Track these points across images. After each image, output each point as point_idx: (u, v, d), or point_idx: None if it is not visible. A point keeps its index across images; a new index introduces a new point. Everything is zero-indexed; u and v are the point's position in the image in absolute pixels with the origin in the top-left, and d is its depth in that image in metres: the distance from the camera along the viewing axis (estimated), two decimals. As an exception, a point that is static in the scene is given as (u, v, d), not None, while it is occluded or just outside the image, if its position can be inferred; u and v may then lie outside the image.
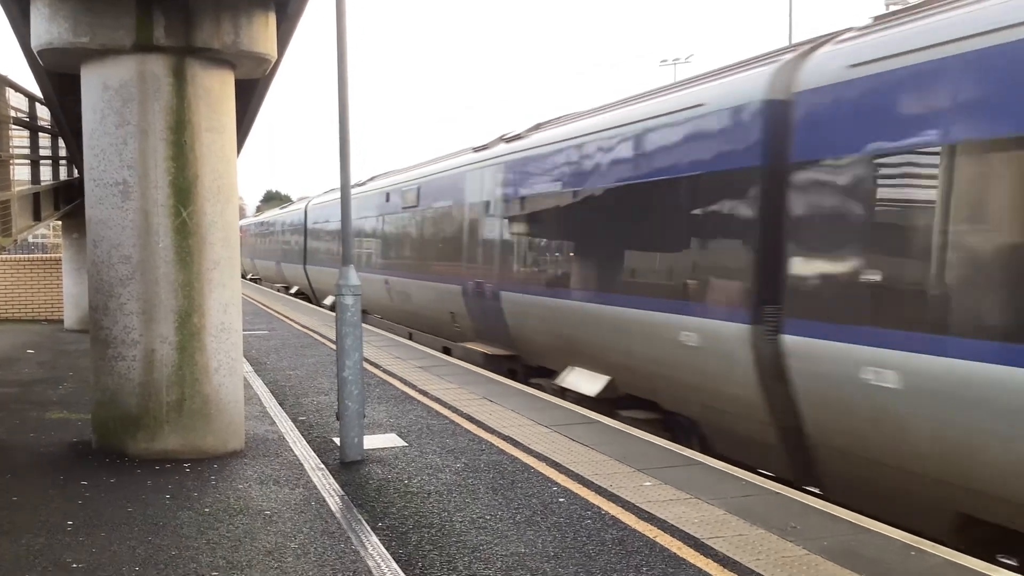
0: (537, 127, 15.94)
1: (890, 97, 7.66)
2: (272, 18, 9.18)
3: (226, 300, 9.11)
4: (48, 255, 27.25)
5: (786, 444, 9.15)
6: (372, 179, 27.75)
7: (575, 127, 13.73)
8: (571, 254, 13.69)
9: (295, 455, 9.17)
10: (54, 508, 7.20)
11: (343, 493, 7.79)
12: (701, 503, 7.40)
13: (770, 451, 9.49)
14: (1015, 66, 6.59)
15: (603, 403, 12.18)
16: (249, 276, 55.19)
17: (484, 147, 17.86)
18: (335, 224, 29.41)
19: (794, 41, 9.66)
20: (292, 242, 40.83)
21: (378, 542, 6.53)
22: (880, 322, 7.58)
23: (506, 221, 15.80)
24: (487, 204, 16.77)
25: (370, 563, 6.08)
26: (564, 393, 13.12)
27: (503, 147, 16.47)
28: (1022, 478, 6.46)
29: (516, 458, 8.96)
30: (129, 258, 8.78)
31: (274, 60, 9.45)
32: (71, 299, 21.55)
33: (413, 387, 13.33)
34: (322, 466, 8.74)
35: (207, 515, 7.09)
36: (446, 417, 11.06)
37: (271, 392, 13.06)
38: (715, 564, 6.06)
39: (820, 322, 8.27)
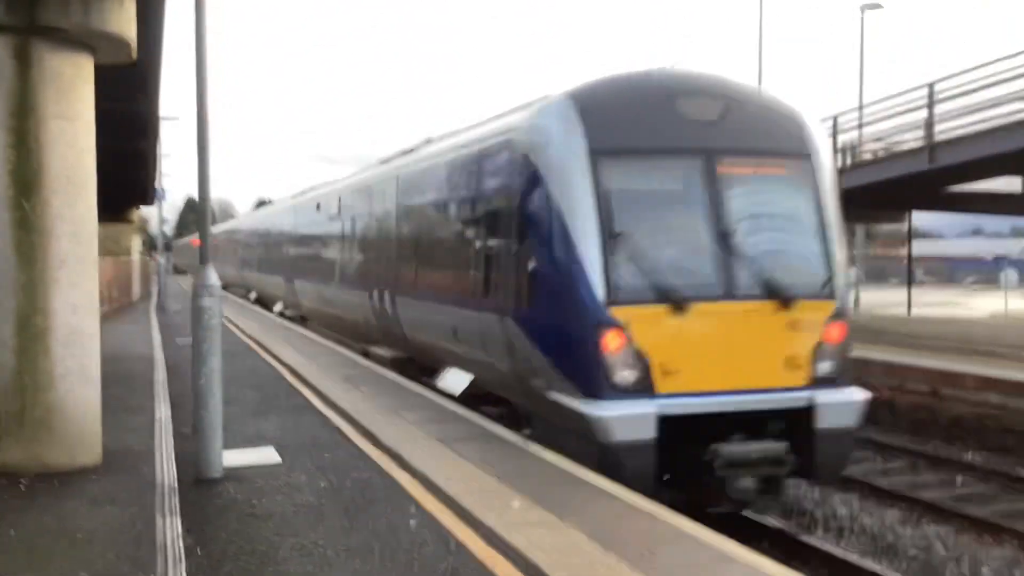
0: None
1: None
2: (129, -4, 8.47)
3: (76, 301, 8.36)
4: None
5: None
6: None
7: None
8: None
9: (154, 471, 8.44)
10: None
11: (178, 515, 7.05)
12: (564, 527, 6.67)
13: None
14: None
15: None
16: None
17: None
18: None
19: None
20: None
21: (184, 572, 5.81)
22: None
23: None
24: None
25: (159, 597, 5.36)
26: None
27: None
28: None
29: (389, 476, 8.23)
30: (-36, 255, 8.05)
31: (133, 43, 8.74)
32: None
33: (323, 397, 12.60)
34: (175, 484, 8.02)
35: (11, 538, 6.36)
36: (339, 430, 10.34)
37: (171, 402, 12.33)
38: (548, 600, 5.35)
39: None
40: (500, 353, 10.35)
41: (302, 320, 25.79)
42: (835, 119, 20.91)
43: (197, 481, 8.14)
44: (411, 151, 15.73)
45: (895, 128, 19.45)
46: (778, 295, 9.02)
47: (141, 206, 29.68)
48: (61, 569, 5.76)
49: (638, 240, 8.93)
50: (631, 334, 8.69)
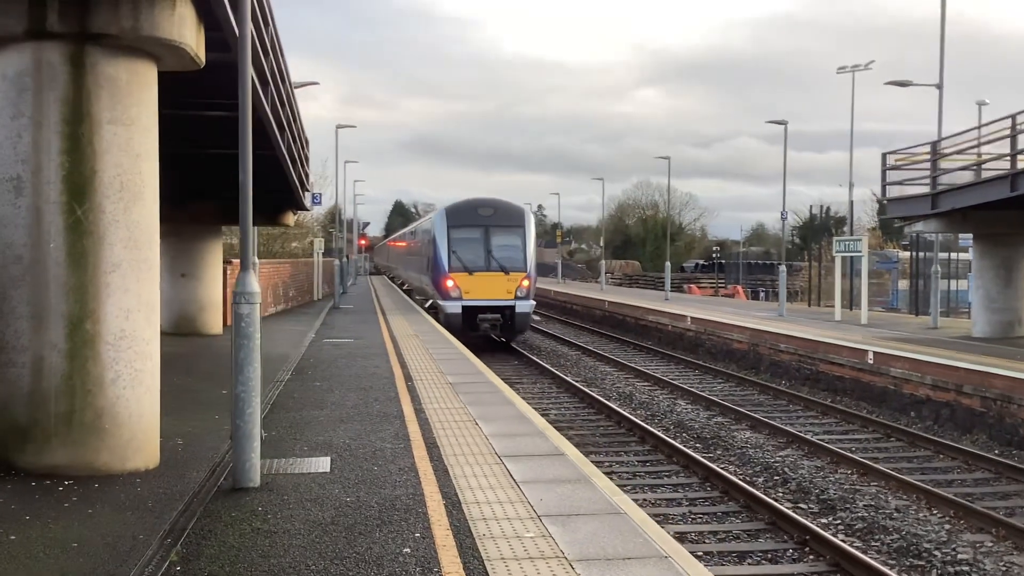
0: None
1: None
2: (181, 1, 8.45)
3: (129, 306, 8.43)
4: None
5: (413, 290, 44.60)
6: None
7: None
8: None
9: (200, 477, 8.41)
10: None
11: (187, 526, 6.92)
12: (561, 561, 6.09)
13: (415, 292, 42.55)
14: None
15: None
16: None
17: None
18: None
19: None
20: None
21: (147, 590, 5.63)
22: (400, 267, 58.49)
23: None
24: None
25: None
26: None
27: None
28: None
29: (419, 495, 7.82)
30: (21, 258, 8.25)
31: (192, 50, 8.72)
32: None
33: (416, 404, 12.39)
34: (211, 492, 7.94)
35: (7, 542, 6.38)
36: (407, 440, 10.05)
37: (273, 404, 12.44)
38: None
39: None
40: (432, 289, 29.82)
41: (409, 293, 44.98)
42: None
43: (233, 490, 8.02)
44: (425, 215, 46.73)
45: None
46: (505, 270, 27.94)
47: (299, 211, 30.89)
48: (22, 581, 5.69)
49: (460, 253, 28.17)
50: (455, 281, 27.93)
